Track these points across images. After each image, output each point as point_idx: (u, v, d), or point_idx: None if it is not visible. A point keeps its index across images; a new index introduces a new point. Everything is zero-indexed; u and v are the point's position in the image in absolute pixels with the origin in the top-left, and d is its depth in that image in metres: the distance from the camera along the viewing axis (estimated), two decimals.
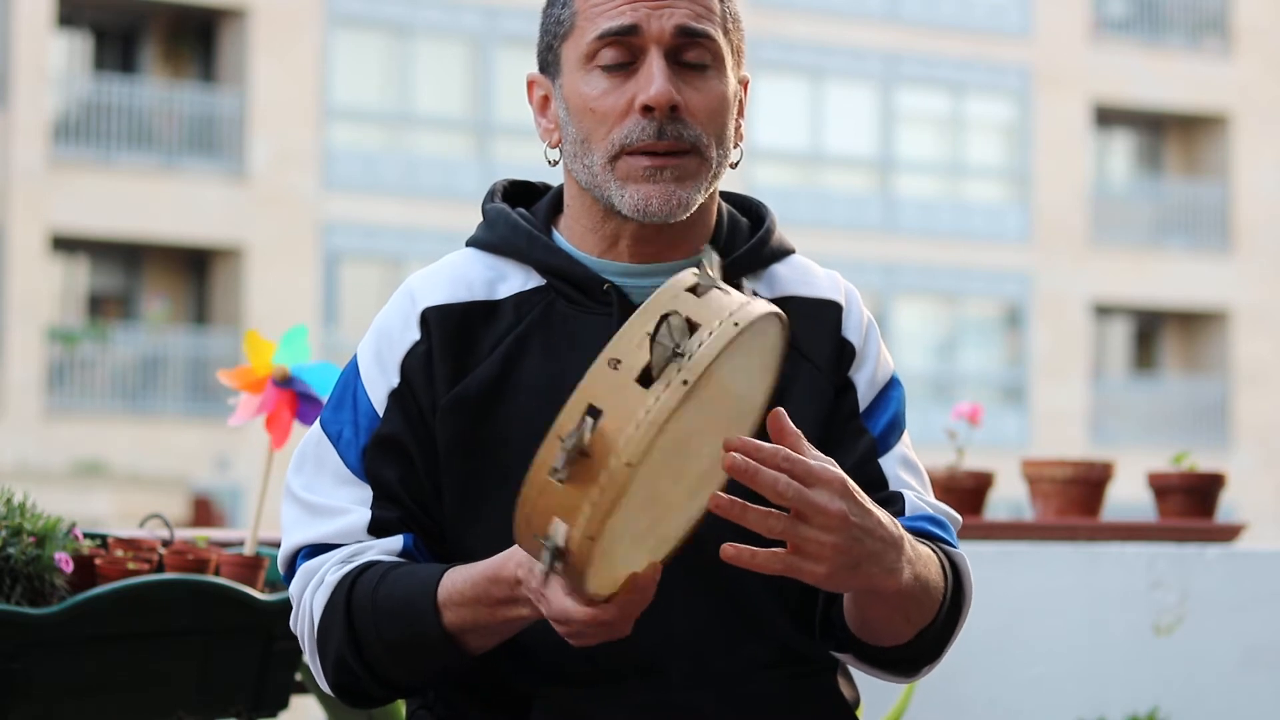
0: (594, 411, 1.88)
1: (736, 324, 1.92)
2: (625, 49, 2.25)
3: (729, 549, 1.98)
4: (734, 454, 1.96)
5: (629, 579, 1.99)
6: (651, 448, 1.88)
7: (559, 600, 2.00)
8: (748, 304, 1.96)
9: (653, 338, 1.90)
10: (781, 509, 2.00)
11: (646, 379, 1.88)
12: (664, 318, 1.91)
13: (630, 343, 1.90)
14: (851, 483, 2.03)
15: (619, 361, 1.89)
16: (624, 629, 2.04)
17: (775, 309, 2.00)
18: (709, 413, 1.96)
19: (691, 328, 1.91)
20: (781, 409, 2.03)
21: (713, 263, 1.97)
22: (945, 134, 27.75)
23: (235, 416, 3.18)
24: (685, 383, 1.87)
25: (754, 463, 1.97)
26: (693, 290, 1.94)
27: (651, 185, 2.24)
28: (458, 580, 2.17)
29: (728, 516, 1.97)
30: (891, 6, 27.47)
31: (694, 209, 2.27)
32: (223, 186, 24.25)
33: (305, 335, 3.20)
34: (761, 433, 2.05)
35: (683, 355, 1.89)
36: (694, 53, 2.26)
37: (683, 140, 2.24)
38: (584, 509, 1.88)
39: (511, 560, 2.10)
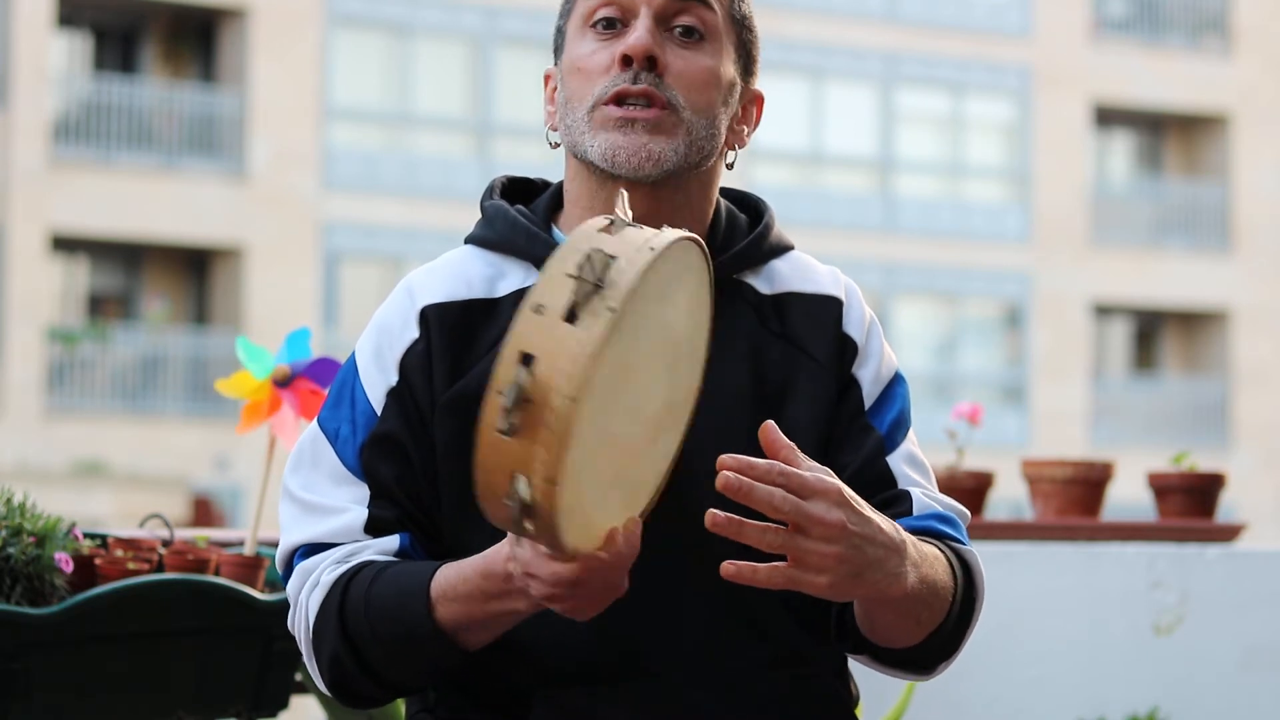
0: (527, 359, 1.89)
1: (652, 249, 1.94)
2: (618, 10, 2.28)
3: (729, 568, 1.97)
4: (727, 472, 1.95)
5: (609, 535, 1.99)
6: (591, 380, 1.88)
7: (546, 566, 1.99)
8: (660, 233, 1.98)
9: (572, 277, 1.91)
10: (780, 523, 1.99)
11: (572, 316, 1.89)
12: (583, 257, 1.93)
13: (551, 285, 1.91)
14: (849, 491, 2.03)
15: (543, 306, 1.90)
16: (619, 587, 2.03)
17: (691, 235, 2.02)
18: (644, 343, 1.97)
19: (609, 261, 1.92)
20: (771, 421, 2.03)
21: (624, 204, 1.99)
22: (945, 134, 27.75)
23: (241, 424, 3.18)
24: (611, 310, 1.89)
25: (748, 480, 1.96)
26: (606, 230, 1.96)
27: (621, 135, 2.25)
28: (450, 576, 2.16)
29: (725, 534, 1.96)
30: (891, 6, 27.47)
31: (665, 166, 2.26)
32: (223, 186, 24.25)
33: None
34: (750, 437, 2.05)
35: (603, 286, 1.90)
36: (685, 20, 2.28)
37: (659, 91, 2.25)
38: (538, 454, 1.88)
39: (501, 554, 2.09)
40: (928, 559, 2.16)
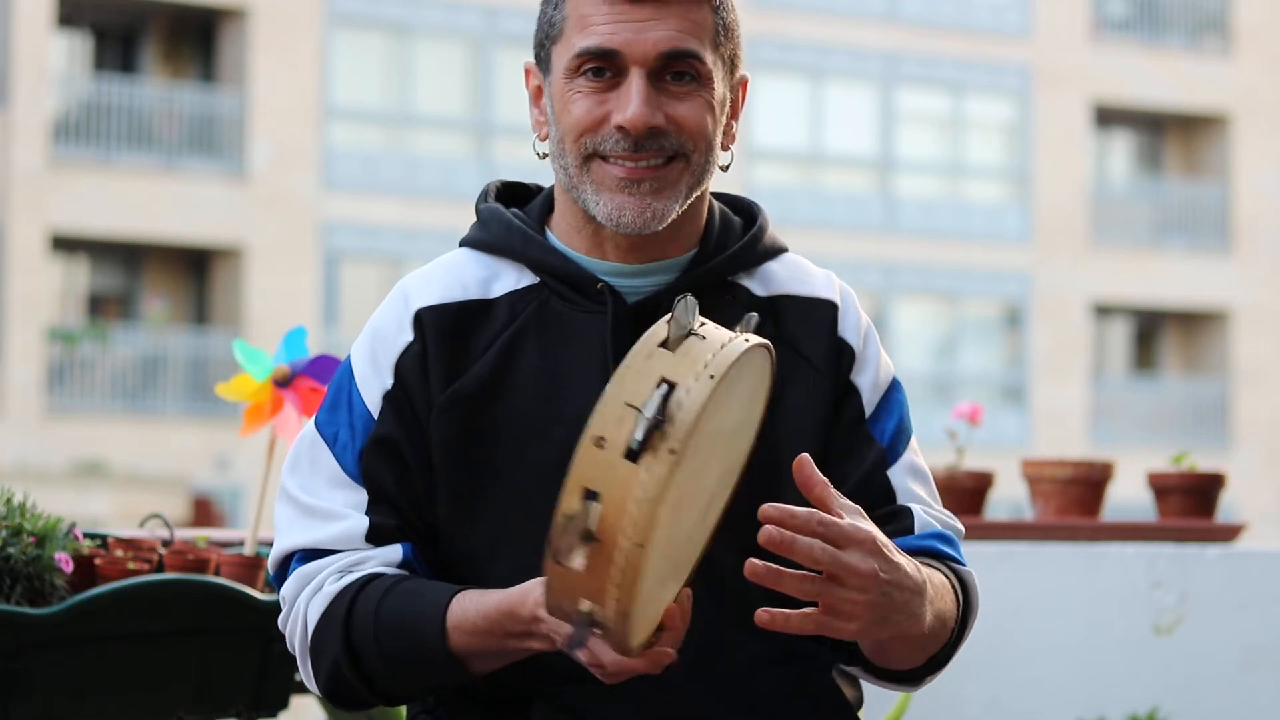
0: (591, 494, 1.84)
1: (712, 376, 1.87)
2: (608, 64, 2.23)
3: (763, 615, 1.99)
4: (769, 527, 1.96)
5: (668, 614, 2.00)
6: (656, 522, 1.84)
7: (612, 658, 2.00)
8: (723, 347, 1.90)
9: (632, 407, 1.84)
10: (815, 571, 2.01)
11: (632, 454, 1.83)
12: (642, 383, 1.86)
13: (610, 415, 1.84)
14: (881, 537, 2.04)
15: (604, 439, 1.84)
16: (673, 655, 2.04)
17: (757, 342, 1.96)
18: (704, 458, 1.93)
19: (670, 386, 1.85)
20: (807, 455, 2.03)
21: (688, 307, 1.91)
22: (945, 134, 27.74)
23: (244, 427, 3.17)
24: (673, 452, 1.83)
25: (789, 534, 1.97)
26: (665, 344, 1.89)
27: (626, 196, 2.23)
28: (468, 609, 2.16)
29: (764, 584, 1.98)
30: (891, 6, 27.47)
31: (669, 219, 2.25)
32: (223, 186, 24.25)
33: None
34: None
35: (664, 421, 1.83)
36: (679, 70, 2.23)
37: (664, 150, 2.23)
38: (610, 591, 1.86)
39: (530, 597, 2.09)
40: (939, 590, 2.19)
